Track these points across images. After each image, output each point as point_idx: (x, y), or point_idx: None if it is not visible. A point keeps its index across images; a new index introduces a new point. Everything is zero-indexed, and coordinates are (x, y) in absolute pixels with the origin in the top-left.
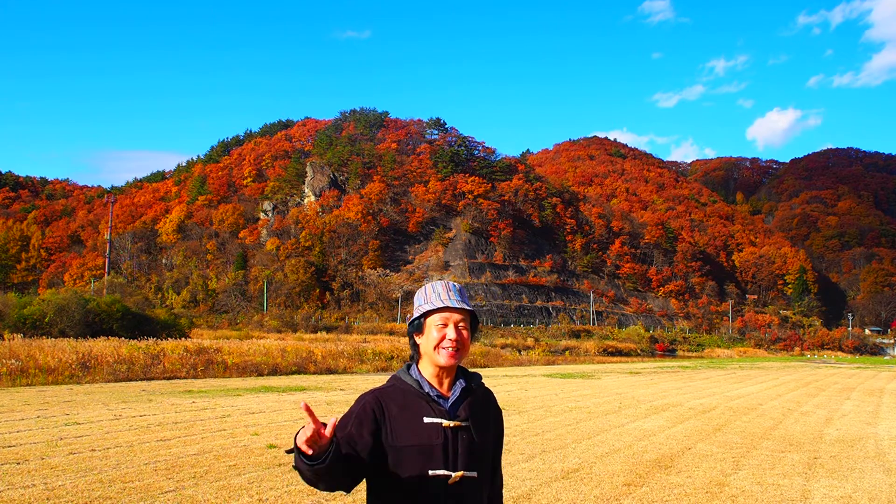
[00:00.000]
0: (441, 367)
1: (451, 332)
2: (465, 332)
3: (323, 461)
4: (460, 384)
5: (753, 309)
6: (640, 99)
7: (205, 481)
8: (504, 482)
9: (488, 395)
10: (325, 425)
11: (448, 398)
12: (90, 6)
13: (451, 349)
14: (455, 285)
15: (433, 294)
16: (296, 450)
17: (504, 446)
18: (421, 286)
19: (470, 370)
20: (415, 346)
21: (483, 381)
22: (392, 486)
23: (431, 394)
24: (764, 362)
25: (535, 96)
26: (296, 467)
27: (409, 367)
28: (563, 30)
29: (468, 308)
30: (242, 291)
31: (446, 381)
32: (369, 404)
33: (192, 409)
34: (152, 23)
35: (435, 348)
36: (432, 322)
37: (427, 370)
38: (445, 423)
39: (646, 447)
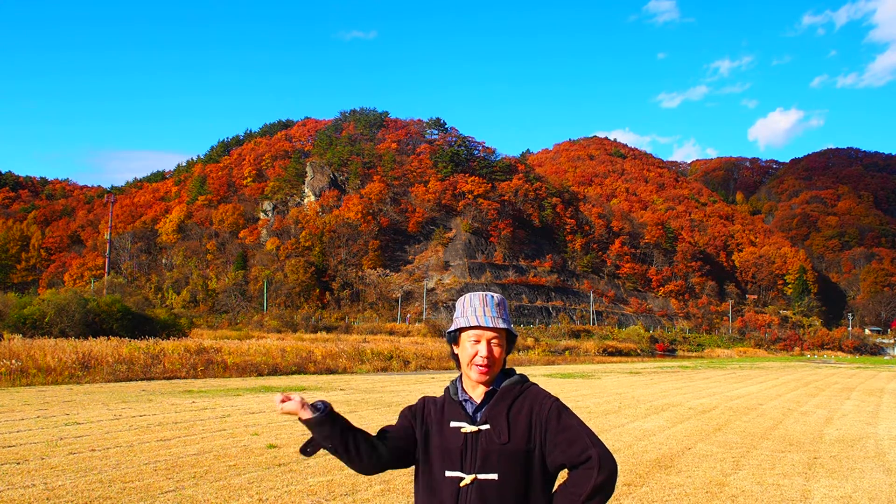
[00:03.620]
0: (475, 381)
1: (482, 350)
2: (497, 349)
3: (322, 416)
4: (490, 388)
5: (753, 309)
6: (643, 99)
7: (205, 481)
8: None
9: (525, 395)
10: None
11: (476, 403)
12: (90, 6)
13: (482, 366)
14: (493, 298)
15: (469, 308)
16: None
17: None
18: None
19: (517, 372)
20: (454, 356)
21: (523, 379)
22: (422, 483)
23: (461, 399)
24: (764, 362)
25: (535, 96)
26: (310, 444)
27: (459, 376)
28: (566, 30)
29: (501, 327)
30: (242, 291)
31: (480, 388)
32: (416, 404)
33: (192, 409)
34: (152, 23)
35: (468, 364)
36: (466, 336)
37: (465, 378)
38: (464, 427)
39: (646, 447)
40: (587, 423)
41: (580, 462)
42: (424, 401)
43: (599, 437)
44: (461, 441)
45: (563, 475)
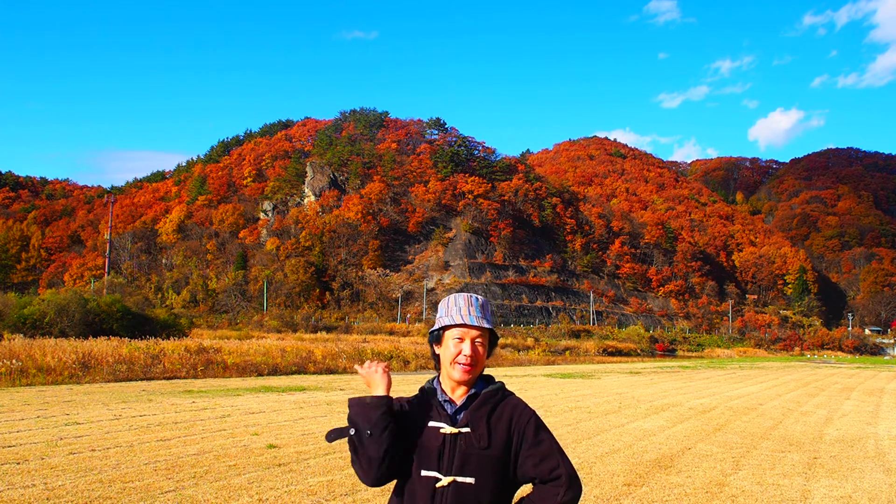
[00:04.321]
0: (455, 381)
1: (466, 349)
2: (480, 349)
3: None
4: (471, 392)
5: (753, 309)
6: (644, 99)
7: (205, 481)
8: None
9: (505, 402)
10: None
11: (457, 405)
12: (90, 6)
13: (465, 365)
14: (478, 299)
15: (454, 307)
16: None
17: None
18: (446, 296)
19: (496, 379)
20: (435, 356)
21: (502, 386)
22: (398, 483)
23: (441, 399)
24: (764, 362)
25: (536, 96)
26: (353, 422)
27: (435, 377)
28: (568, 30)
29: (486, 326)
30: (242, 291)
31: (460, 390)
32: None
33: (191, 409)
34: (153, 22)
35: (451, 363)
36: (450, 335)
37: (445, 379)
38: (444, 428)
39: (646, 447)
40: (587, 423)
41: (550, 479)
42: (402, 400)
43: (599, 437)
44: (440, 441)
45: (525, 488)
